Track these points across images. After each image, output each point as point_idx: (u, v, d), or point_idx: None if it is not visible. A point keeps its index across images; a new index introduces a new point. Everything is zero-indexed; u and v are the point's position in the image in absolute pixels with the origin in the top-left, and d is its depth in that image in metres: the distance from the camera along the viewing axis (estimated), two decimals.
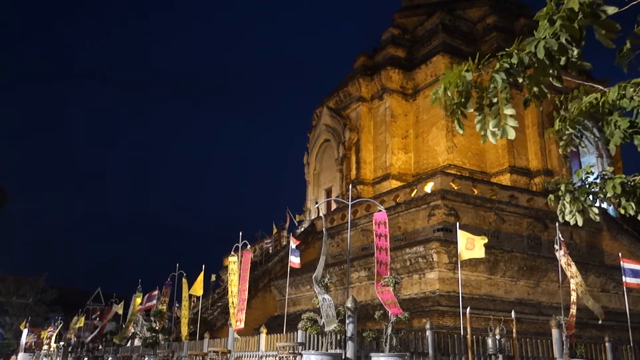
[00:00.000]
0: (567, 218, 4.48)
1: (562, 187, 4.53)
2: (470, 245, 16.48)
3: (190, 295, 26.29)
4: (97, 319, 40.71)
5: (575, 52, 3.72)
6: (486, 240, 17.03)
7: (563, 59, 3.77)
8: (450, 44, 34.38)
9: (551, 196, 5.00)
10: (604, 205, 4.63)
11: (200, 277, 24.95)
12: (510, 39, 30.22)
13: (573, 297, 14.91)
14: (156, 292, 27.37)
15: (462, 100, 4.17)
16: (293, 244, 19.92)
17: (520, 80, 3.97)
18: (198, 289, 24.87)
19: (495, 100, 4.02)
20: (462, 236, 17.03)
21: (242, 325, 16.41)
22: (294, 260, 19.63)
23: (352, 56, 41.78)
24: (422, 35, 37.48)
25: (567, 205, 4.43)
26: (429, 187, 25.62)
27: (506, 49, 4.00)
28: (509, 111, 4.03)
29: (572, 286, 15.03)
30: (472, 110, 4.25)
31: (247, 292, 16.94)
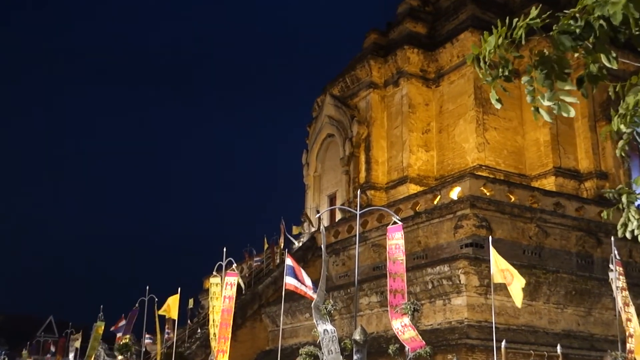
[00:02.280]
0: (635, 234, 4.38)
1: (624, 199, 4.45)
2: (509, 277, 16.29)
3: (163, 324, 26.24)
4: (49, 354, 40.70)
5: None
6: (523, 283, 16.76)
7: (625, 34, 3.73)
8: (481, 17, 34.40)
9: (606, 212, 4.92)
10: None
11: (174, 298, 24.95)
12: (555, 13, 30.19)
13: (630, 328, 14.88)
14: (123, 322, 27.36)
15: (503, 68, 4.09)
16: (291, 263, 19.82)
17: (576, 54, 3.92)
18: (172, 310, 24.87)
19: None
20: (496, 255, 16.99)
21: None
22: (292, 282, 19.51)
23: (361, 33, 41.87)
24: (447, 7, 37.53)
25: (634, 219, 4.33)
26: (455, 193, 25.61)
27: (564, 12, 3.94)
28: (566, 86, 3.97)
29: (628, 315, 15.01)
30: (506, 82, 4.17)
31: (230, 327, 16.90)
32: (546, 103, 3.99)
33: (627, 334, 15.53)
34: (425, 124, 34.50)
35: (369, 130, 35.43)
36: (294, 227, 37.54)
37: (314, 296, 19.35)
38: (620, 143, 4.41)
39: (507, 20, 4.14)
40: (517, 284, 16.36)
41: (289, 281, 19.34)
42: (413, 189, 32.17)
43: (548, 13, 4.15)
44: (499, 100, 4.23)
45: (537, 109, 4.06)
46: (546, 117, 4.05)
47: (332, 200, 37.28)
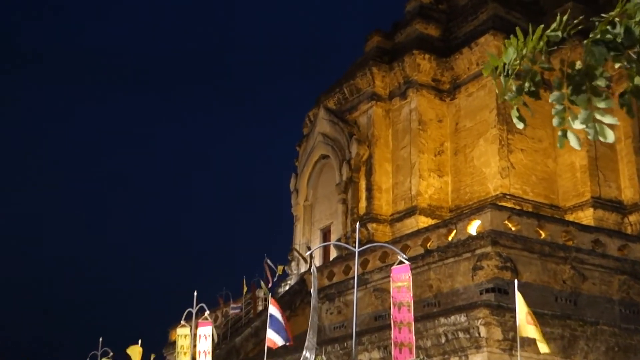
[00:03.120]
0: None
1: None
2: (532, 322, 16.37)
3: None
4: None
5: None
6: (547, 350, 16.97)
7: None
8: (504, 17, 34.74)
9: None
10: None
11: (134, 349, 24.81)
12: (593, 14, 30.54)
13: None
14: None
15: (530, 83, 4.08)
16: (275, 311, 19.77)
17: (618, 65, 3.91)
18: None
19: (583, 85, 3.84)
20: (522, 303, 16.96)
21: None
22: (273, 338, 19.43)
23: (361, 35, 42.15)
24: (465, 5, 37.90)
25: None
26: (473, 227, 25.58)
27: (601, 15, 3.94)
28: (602, 104, 3.95)
29: None
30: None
31: None
32: (577, 126, 3.96)
33: None
34: (438, 143, 34.60)
35: (371, 151, 35.50)
36: (279, 267, 37.35)
37: (279, 342, 19.28)
38: None
39: (529, 27, 4.14)
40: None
41: (271, 336, 19.22)
42: (423, 221, 32.12)
43: (580, 18, 4.16)
44: (520, 119, 4.22)
45: (564, 133, 4.04)
46: (575, 144, 4.02)
47: (325, 234, 37.16)
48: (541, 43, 4.03)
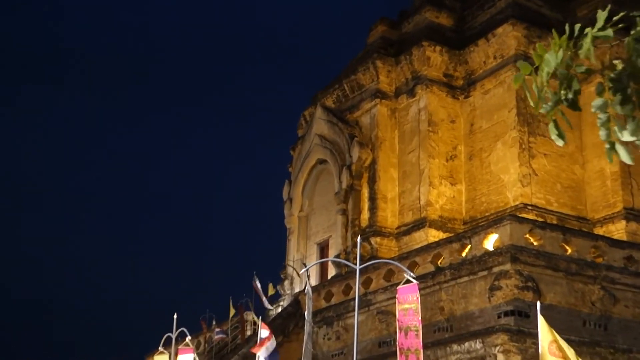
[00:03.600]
0: None
1: None
2: (558, 354, 16.28)
3: None
4: None
5: None
6: None
7: None
8: (525, 5, 34.74)
9: None
10: None
11: None
12: (630, 2, 30.54)
13: None
14: None
15: (566, 91, 4.01)
16: (267, 338, 19.72)
17: None
18: None
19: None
20: (546, 328, 16.90)
21: None
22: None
23: (364, 25, 42.22)
24: None
25: None
26: (490, 242, 25.54)
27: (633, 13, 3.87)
28: None
29: None
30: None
31: None
32: (627, 138, 3.89)
33: None
34: (450, 147, 34.55)
35: (374, 155, 35.43)
36: (270, 286, 37.26)
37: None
38: None
39: (566, 22, 4.07)
40: None
41: None
42: (433, 235, 32.07)
43: (621, 15, 4.10)
44: (560, 136, 4.14)
45: (612, 145, 3.97)
46: (626, 158, 3.95)
47: (323, 249, 37.09)
48: (587, 44, 3.95)
